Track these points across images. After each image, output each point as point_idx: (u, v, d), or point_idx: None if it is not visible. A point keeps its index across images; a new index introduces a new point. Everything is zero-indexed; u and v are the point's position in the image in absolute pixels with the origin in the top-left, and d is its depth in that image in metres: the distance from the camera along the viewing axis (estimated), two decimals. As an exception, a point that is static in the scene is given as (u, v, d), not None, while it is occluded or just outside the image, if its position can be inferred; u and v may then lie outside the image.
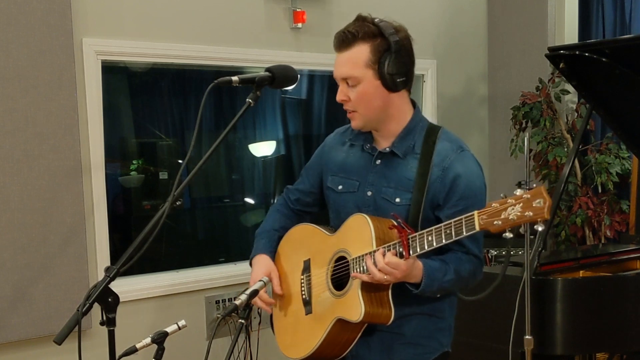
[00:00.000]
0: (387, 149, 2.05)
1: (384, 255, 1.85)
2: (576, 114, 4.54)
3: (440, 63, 4.71)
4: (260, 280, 1.96)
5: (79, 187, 3.21)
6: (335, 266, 2.05)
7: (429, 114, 4.65)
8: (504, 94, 4.84)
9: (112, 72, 3.68)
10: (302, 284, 2.14)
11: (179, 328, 1.80)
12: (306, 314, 2.10)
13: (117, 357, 1.69)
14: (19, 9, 3.01)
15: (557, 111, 4.49)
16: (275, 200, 2.39)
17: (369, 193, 2.06)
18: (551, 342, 3.04)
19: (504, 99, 4.80)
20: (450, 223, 1.78)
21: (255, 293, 1.88)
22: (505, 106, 4.70)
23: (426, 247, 1.82)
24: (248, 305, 1.84)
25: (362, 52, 1.95)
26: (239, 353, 3.65)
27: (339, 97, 2.01)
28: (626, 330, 3.12)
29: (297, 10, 3.89)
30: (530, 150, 4.40)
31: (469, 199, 1.94)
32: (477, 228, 1.72)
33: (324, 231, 2.15)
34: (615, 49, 3.07)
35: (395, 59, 1.94)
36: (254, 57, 3.79)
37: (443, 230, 1.79)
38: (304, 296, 2.12)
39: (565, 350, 3.07)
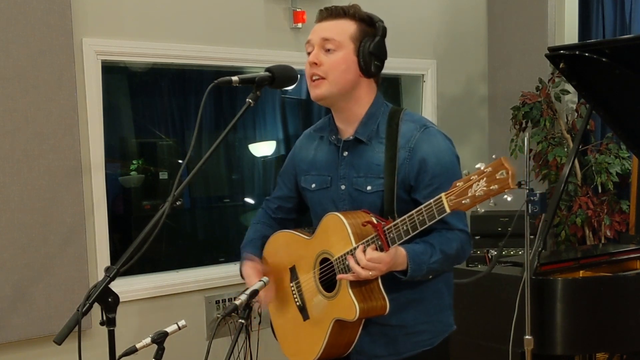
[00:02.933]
0: (351, 137, 2.05)
1: (364, 251, 1.85)
2: (576, 114, 4.54)
3: (440, 63, 4.71)
4: (260, 280, 1.96)
5: (79, 187, 3.21)
6: (321, 269, 2.05)
7: (429, 114, 4.66)
8: (504, 94, 4.84)
9: (112, 72, 3.68)
10: (293, 291, 2.14)
11: (179, 328, 1.79)
12: (304, 320, 2.11)
13: (117, 357, 1.69)
14: (19, 9, 3.01)
15: (557, 111, 4.49)
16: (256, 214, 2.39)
17: (343, 187, 2.06)
18: (551, 342, 3.04)
19: (504, 99, 4.80)
20: (422, 209, 1.78)
21: (255, 293, 1.88)
22: (505, 106, 4.70)
23: (403, 236, 1.83)
24: (248, 305, 1.83)
25: (349, 25, 1.99)
26: (239, 353, 3.65)
27: (312, 59, 2.00)
28: (626, 330, 3.12)
29: (297, 10, 3.90)
30: (530, 150, 4.40)
31: (442, 175, 1.94)
32: (448, 210, 1.72)
33: (302, 235, 2.14)
34: (615, 49, 3.07)
35: (377, 42, 2.00)
36: (254, 57, 3.80)
37: (416, 218, 1.79)
38: (297, 303, 2.12)
39: (565, 350, 3.07)
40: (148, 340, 1.73)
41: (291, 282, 2.15)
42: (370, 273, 1.85)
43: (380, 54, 2.01)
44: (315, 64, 2.00)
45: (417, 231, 1.81)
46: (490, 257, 4.32)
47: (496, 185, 1.63)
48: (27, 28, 3.03)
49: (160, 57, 3.56)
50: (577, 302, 3.07)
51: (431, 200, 1.76)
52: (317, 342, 2.03)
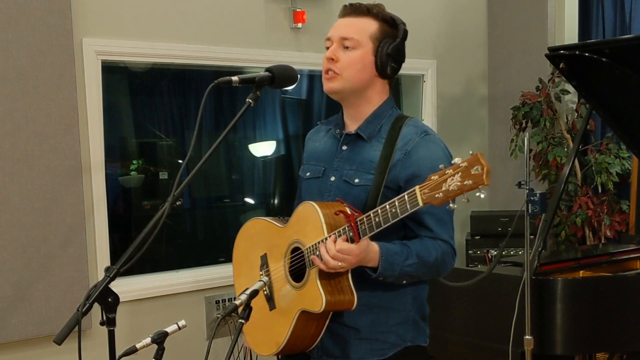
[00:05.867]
0: (353, 132, 2.06)
1: (335, 241, 1.83)
2: (576, 114, 4.54)
3: (440, 63, 4.71)
4: (260, 280, 1.96)
5: (79, 187, 3.21)
6: (291, 258, 2.03)
7: (429, 114, 4.66)
8: (504, 94, 4.84)
9: (112, 72, 3.68)
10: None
11: (179, 328, 1.79)
12: (270, 310, 2.09)
13: (117, 357, 1.68)
14: (19, 9, 3.01)
15: (557, 111, 4.49)
16: None
17: (332, 178, 2.06)
18: (551, 342, 3.04)
19: (504, 99, 4.81)
20: (394, 202, 1.76)
21: (255, 293, 1.88)
22: (505, 106, 4.70)
23: (375, 228, 1.80)
24: (248, 305, 1.83)
25: (370, 24, 2.00)
26: (239, 353, 3.65)
27: (329, 54, 2.00)
28: (626, 330, 3.12)
29: (297, 10, 3.90)
30: (530, 150, 4.41)
31: None
32: (421, 203, 1.69)
33: (276, 223, 2.14)
34: (615, 49, 3.07)
35: (397, 44, 2.00)
36: (254, 57, 3.80)
37: (388, 210, 1.77)
38: (265, 292, 2.11)
39: (565, 350, 3.07)
40: (148, 340, 1.73)
41: (261, 270, 2.14)
42: (339, 264, 1.83)
43: (398, 56, 2.01)
44: (332, 59, 1.99)
45: (389, 223, 1.78)
46: (490, 257, 4.33)
47: (470, 181, 1.61)
48: (27, 28, 3.03)
49: (160, 57, 3.56)
50: (577, 302, 3.07)
51: (405, 193, 1.74)
52: (281, 332, 2.01)
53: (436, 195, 1.66)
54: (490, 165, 1.65)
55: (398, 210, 1.75)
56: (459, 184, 1.62)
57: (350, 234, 1.83)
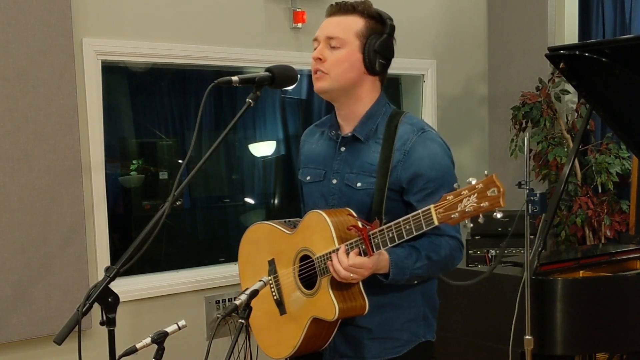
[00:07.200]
0: (349, 134, 2.05)
1: (347, 254, 1.84)
2: (576, 114, 4.54)
3: (440, 63, 4.71)
4: (260, 280, 1.96)
5: (79, 187, 3.21)
6: (300, 265, 2.03)
7: (429, 114, 4.66)
8: (504, 94, 4.84)
9: (112, 72, 3.68)
10: (271, 285, 2.12)
11: (179, 328, 1.79)
12: (281, 315, 2.10)
13: (117, 357, 1.69)
14: (19, 9, 3.01)
15: (557, 111, 4.49)
16: None
17: (334, 181, 2.06)
18: (551, 342, 3.04)
19: (504, 99, 4.81)
20: (409, 219, 1.77)
21: (255, 293, 1.88)
22: (505, 106, 4.71)
23: (388, 243, 1.81)
24: (248, 305, 1.83)
25: (356, 22, 1.98)
26: (239, 353, 3.65)
27: (316, 54, 1.99)
28: (626, 330, 3.12)
29: (297, 10, 3.90)
30: (530, 150, 4.40)
31: (437, 180, 1.91)
32: (436, 222, 1.71)
33: (283, 229, 2.13)
34: (615, 49, 3.07)
35: (384, 40, 1.99)
36: (254, 57, 3.80)
37: (403, 226, 1.78)
38: (275, 297, 2.11)
39: (565, 350, 3.07)
40: (148, 340, 1.73)
41: (269, 274, 2.14)
42: (352, 275, 1.84)
43: (386, 52, 2.00)
44: (320, 59, 1.99)
45: (403, 240, 1.79)
46: (490, 257, 4.33)
47: (487, 203, 1.62)
48: (27, 28, 3.03)
49: (160, 57, 3.56)
50: (577, 302, 3.07)
51: (419, 211, 1.75)
52: (293, 337, 2.02)
53: (452, 216, 1.67)
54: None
55: (413, 228, 1.76)
56: (474, 205, 1.63)
57: (363, 247, 1.84)
